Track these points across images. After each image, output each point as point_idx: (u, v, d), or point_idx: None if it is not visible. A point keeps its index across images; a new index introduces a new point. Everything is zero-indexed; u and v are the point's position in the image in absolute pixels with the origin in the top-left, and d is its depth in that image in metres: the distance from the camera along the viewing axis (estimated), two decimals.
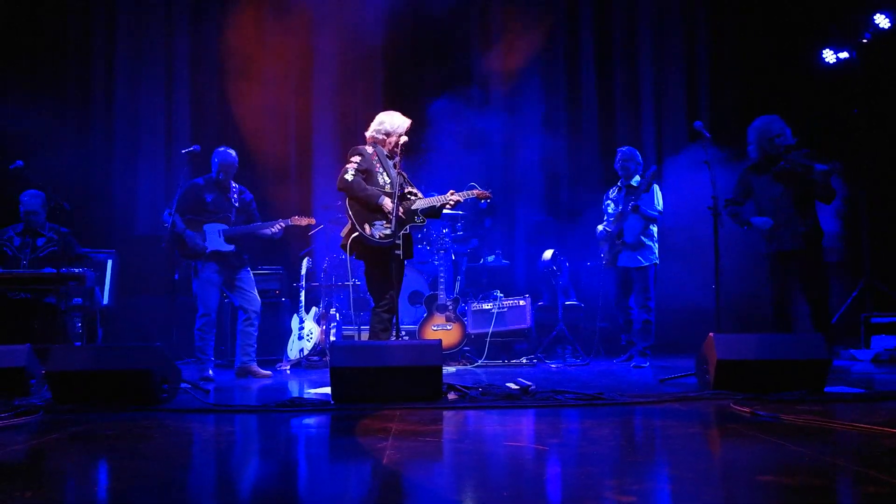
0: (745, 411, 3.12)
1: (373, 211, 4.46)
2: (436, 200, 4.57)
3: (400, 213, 4.40)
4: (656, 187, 6.14)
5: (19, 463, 2.46)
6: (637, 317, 6.16)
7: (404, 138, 4.61)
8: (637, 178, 6.16)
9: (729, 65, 8.37)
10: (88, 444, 2.76)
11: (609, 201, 6.32)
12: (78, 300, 5.74)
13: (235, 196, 5.64)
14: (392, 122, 4.66)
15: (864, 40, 7.37)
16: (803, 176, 5.15)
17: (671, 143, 8.08)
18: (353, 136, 7.14)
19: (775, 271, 5.32)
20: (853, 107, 7.44)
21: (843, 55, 7.53)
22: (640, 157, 6.25)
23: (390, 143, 4.63)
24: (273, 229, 5.52)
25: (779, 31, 8.03)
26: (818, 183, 5.11)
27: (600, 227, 6.27)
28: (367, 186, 4.49)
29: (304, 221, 5.65)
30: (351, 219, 4.47)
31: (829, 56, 7.62)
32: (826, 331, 5.04)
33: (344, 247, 4.54)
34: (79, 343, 5.71)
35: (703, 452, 2.54)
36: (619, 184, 6.30)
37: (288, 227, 5.60)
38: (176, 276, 5.36)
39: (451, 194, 4.54)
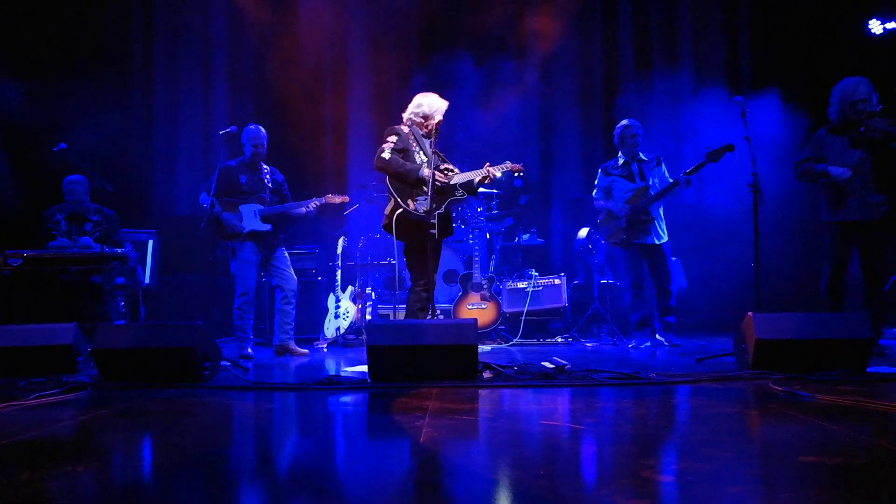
0: (786, 391, 3.08)
1: (414, 186, 4.48)
2: (473, 175, 4.57)
3: (441, 181, 4.42)
4: (664, 164, 6.03)
5: (69, 437, 2.55)
6: (660, 295, 5.97)
7: (439, 117, 4.62)
8: (641, 154, 6.03)
9: (771, 35, 8.15)
10: (134, 419, 2.84)
11: (614, 176, 6.04)
12: (121, 279, 5.88)
13: (268, 177, 5.70)
14: (431, 105, 4.66)
15: None
16: (884, 143, 4.89)
17: (709, 117, 7.93)
18: (388, 114, 7.15)
19: (836, 241, 5.04)
20: None
21: (891, 25, 7.29)
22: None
23: (428, 126, 4.62)
24: (308, 207, 5.58)
25: (824, 1, 7.80)
26: (892, 147, 4.85)
27: (617, 204, 5.94)
28: (405, 162, 4.50)
29: (337, 199, 5.69)
30: (393, 196, 4.49)
31: (875, 27, 7.38)
32: (881, 307, 4.93)
33: (387, 226, 4.55)
34: (122, 322, 5.85)
35: (743, 433, 2.52)
36: (622, 158, 6.03)
37: (323, 206, 5.66)
38: (211, 259, 5.44)
39: (488, 167, 4.54)
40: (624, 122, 6.09)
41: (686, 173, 5.68)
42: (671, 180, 5.86)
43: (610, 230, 6.04)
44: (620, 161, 6.07)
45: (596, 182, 6.21)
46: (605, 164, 6.21)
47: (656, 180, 5.97)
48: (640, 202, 5.87)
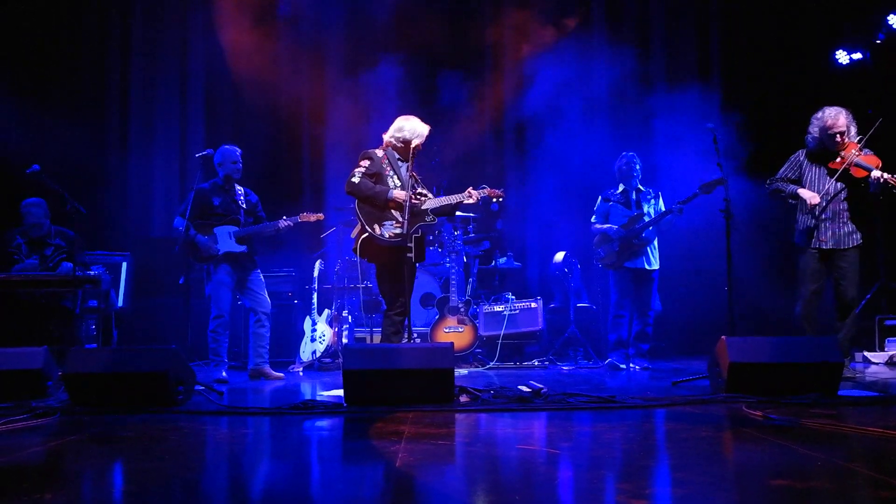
0: (758, 415, 3.11)
1: (382, 210, 4.48)
2: (447, 199, 4.58)
3: (413, 201, 4.42)
4: (662, 199, 6.24)
5: (38, 464, 2.50)
6: (639, 319, 6.13)
7: (418, 142, 4.61)
8: (640, 185, 6.19)
9: (741, 66, 8.33)
10: (105, 445, 2.79)
11: (612, 202, 6.22)
12: (93, 302, 5.79)
13: (242, 198, 5.68)
14: (413, 130, 4.63)
15: (878, 41, 7.33)
16: (858, 176, 4.97)
17: (681, 144, 8.06)
18: (367, 138, 7.18)
19: (812, 268, 5.08)
20: (867, 108, 7.39)
21: (857, 56, 7.50)
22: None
23: (407, 150, 4.61)
24: (279, 225, 5.57)
25: (791, 32, 7.99)
26: (870, 191, 4.96)
27: (613, 227, 6.10)
28: (375, 186, 4.50)
29: (312, 217, 5.70)
30: (360, 220, 4.48)
31: (842, 57, 7.59)
32: (854, 332, 5.00)
33: (356, 249, 4.55)
34: (94, 345, 5.76)
35: (716, 456, 2.54)
36: (622, 186, 6.22)
37: (298, 225, 5.66)
38: (181, 281, 5.39)
39: (470, 190, 4.55)
40: (624, 153, 6.31)
41: (679, 203, 5.85)
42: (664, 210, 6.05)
43: (604, 252, 6.19)
44: (619, 189, 6.26)
45: (595, 208, 6.38)
46: (605, 192, 6.37)
47: (651, 210, 6.14)
48: (634, 227, 6.01)
